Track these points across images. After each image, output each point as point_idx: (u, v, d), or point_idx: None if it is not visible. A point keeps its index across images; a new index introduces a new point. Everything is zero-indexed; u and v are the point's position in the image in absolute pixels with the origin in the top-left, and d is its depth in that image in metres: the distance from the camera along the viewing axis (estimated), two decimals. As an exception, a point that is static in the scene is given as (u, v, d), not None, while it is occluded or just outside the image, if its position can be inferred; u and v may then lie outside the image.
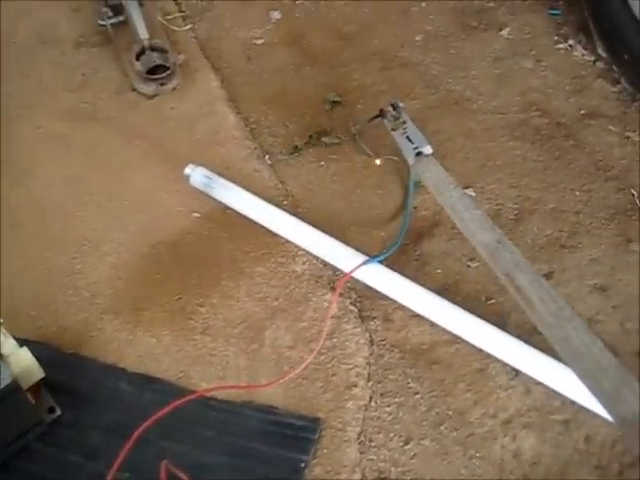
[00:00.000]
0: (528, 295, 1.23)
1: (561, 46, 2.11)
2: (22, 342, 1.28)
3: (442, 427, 1.33)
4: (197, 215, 1.65)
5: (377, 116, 1.74)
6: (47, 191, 1.70)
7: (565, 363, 1.18)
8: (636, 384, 1.04)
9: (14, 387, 1.21)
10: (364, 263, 1.50)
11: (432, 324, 1.47)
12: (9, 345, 1.26)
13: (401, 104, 1.70)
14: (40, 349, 1.32)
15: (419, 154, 1.59)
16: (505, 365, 1.40)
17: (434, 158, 1.59)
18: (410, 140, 1.62)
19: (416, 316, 1.48)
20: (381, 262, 1.53)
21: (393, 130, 1.68)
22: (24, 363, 1.26)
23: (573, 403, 1.34)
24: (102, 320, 1.48)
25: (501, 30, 2.15)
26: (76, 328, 1.47)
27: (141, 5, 1.93)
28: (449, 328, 1.46)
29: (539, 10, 2.22)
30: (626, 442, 1.25)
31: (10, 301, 1.47)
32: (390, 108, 1.70)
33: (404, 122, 1.67)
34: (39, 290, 1.53)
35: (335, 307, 1.48)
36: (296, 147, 1.79)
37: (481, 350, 1.43)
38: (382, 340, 1.46)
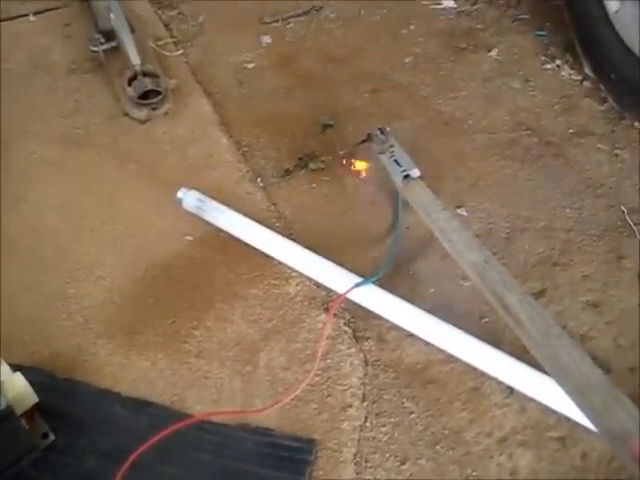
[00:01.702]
0: (516, 314, 1.24)
1: (548, 66, 2.14)
2: (16, 368, 1.27)
3: (438, 446, 1.33)
4: (190, 238, 1.65)
5: (365, 140, 1.76)
6: (40, 216, 1.70)
7: (555, 380, 1.19)
8: (625, 399, 1.05)
9: (8, 413, 1.20)
10: (357, 285, 1.50)
11: (426, 343, 1.47)
12: (3, 371, 1.26)
13: (388, 128, 1.72)
14: (34, 374, 1.32)
15: (407, 177, 1.61)
16: (500, 383, 1.40)
17: (422, 181, 1.61)
18: (398, 163, 1.64)
19: (410, 336, 1.48)
20: (374, 283, 1.53)
21: (381, 153, 1.70)
22: (18, 388, 1.25)
23: (568, 420, 1.34)
24: (96, 344, 1.47)
25: (489, 51, 2.18)
26: (70, 353, 1.46)
27: (133, 31, 1.95)
28: (443, 347, 1.46)
29: (526, 31, 2.26)
30: (620, 458, 1.25)
31: (3, 327, 1.47)
32: (378, 132, 1.72)
33: (392, 146, 1.69)
34: (33, 315, 1.52)
35: (330, 328, 1.49)
36: (287, 170, 1.80)
37: (476, 368, 1.43)
38: (376, 360, 1.46)
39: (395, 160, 1.65)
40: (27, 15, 2.16)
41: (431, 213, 1.51)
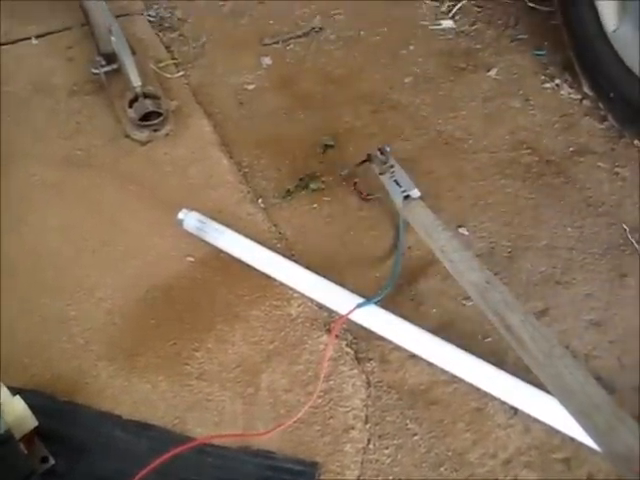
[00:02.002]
0: (519, 334, 1.23)
1: (548, 85, 2.15)
2: (15, 391, 1.26)
3: (442, 468, 1.32)
4: (191, 259, 1.65)
5: (365, 161, 1.76)
6: (41, 238, 1.70)
7: (558, 401, 1.18)
8: (629, 420, 1.04)
9: (7, 437, 1.20)
10: (359, 306, 1.50)
11: (429, 364, 1.46)
12: (2, 394, 1.25)
13: (388, 148, 1.72)
14: (33, 397, 1.31)
15: (407, 197, 1.61)
16: (503, 403, 1.40)
17: (422, 201, 1.61)
18: (398, 184, 1.64)
19: (413, 356, 1.48)
20: (376, 304, 1.52)
21: (381, 174, 1.70)
22: (17, 412, 1.24)
23: (573, 440, 1.33)
24: (97, 367, 1.46)
25: (489, 71, 2.19)
26: (70, 375, 1.45)
27: (134, 53, 1.96)
28: (446, 368, 1.45)
29: (525, 51, 2.27)
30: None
31: (3, 349, 1.46)
32: (378, 152, 1.72)
33: (392, 166, 1.69)
34: (33, 337, 1.51)
35: (331, 349, 1.48)
36: (288, 190, 1.80)
37: (479, 389, 1.42)
38: (379, 381, 1.45)
39: (395, 180, 1.65)
40: (29, 38, 2.17)
41: (432, 233, 1.51)
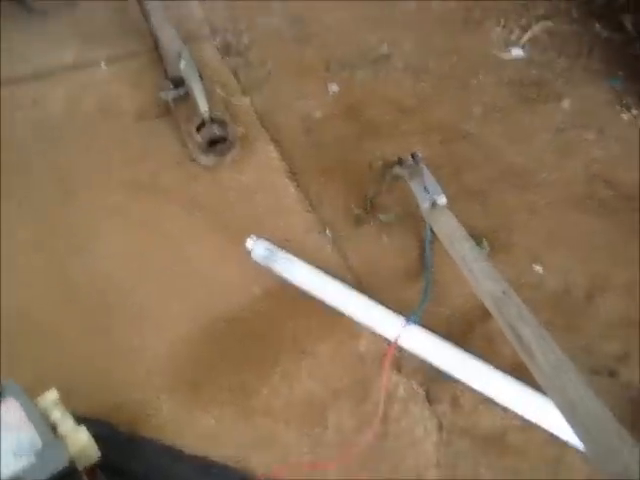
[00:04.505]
0: (529, 345, 1.22)
1: (624, 116, 2.07)
2: (79, 419, 1.24)
3: (518, 522, 1.25)
4: (257, 290, 1.62)
5: (395, 164, 1.73)
6: (105, 264, 1.68)
7: (562, 415, 1.15)
8: (630, 441, 1.02)
9: (71, 470, 1.16)
10: (404, 326, 1.48)
11: (503, 408, 1.40)
12: (67, 425, 1.22)
13: (420, 154, 1.68)
14: (96, 427, 1.27)
15: (434, 204, 1.57)
16: (583, 453, 1.32)
17: (448, 209, 1.57)
18: (426, 190, 1.60)
19: (486, 399, 1.42)
20: (416, 322, 1.51)
21: (410, 179, 1.66)
22: (81, 444, 1.21)
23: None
24: (159, 399, 1.44)
25: (561, 101, 2.12)
26: (133, 406, 1.43)
27: (201, 78, 1.95)
28: (521, 412, 1.39)
29: (598, 80, 2.20)
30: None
31: (67, 376, 1.44)
32: (409, 157, 1.69)
33: (421, 172, 1.65)
34: (95, 365, 1.50)
35: (387, 380, 1.43)
36: (358, 218, 1.76)
37: (557, 436, 1.35)
38: (451, 425, 1.39)
39: (424, 187, 1.61)
40: (98, 63, 2.19)
41: (454, 242, 1.49)
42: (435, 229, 1.58)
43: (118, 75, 2.16)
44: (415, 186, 1.64)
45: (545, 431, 1.36)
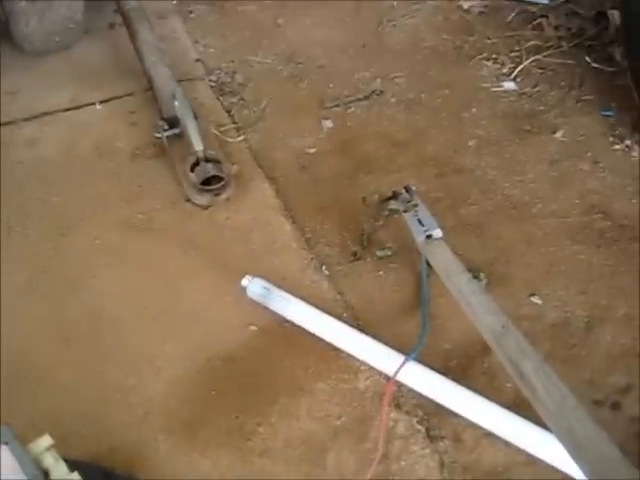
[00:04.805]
0: (532, 383, 1.22)
1: (618, 147, 2.09)
2: (72, 463, 1.21)
3: None
4: (254, 328, 1.60)
5: (390, 198, 1.74)
6: (101, 303, 1.67)
7: (568, 453, 1.13)
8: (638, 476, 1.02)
9: (65, 518, 1.14)
10: (403, 363, 1.46)
11: (506, 443, 1.38)
12: (60, 471, 1.19)
13: (414, 187, 1.71)
14: (91, 472, 1.25)
15: (429, 237, 1.58)
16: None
17: (443, 242, 1.58)
18: (421, 223, 1.61)
19: (488, 435, 1.40)
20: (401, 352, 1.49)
21: (405, 212, 1.68)
22: (75, 491, 1.19)
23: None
24: (156, 440, 1.42)
25: (554, 133, 2.13)
26: (129, 448, 1.41)
27: (195, 118, 1.96)
28: (525, 447, 1.37)
29: (591, 112, 2.22)
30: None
31: (60, 418, 1.42)
32: (403, 190, 1.71)
33: (416, 205, 1.67)
34: (91, 406, 1.47)
35: (386, 417, 1.41)
36: (355, 254, 1.76)
37: (562, 471, 1.32)
38: (453, 462, 1.37)
39: (418, 219, 1.62)
40: (94, 104, 2.20)
41: (451, 275, 1.50)
42: (431, 262, 1.58)
43: (113, 115, 2.18)
44: (410, 219, 1.65)
45: (550, 466, 1.34)
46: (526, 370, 1.23)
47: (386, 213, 1.79)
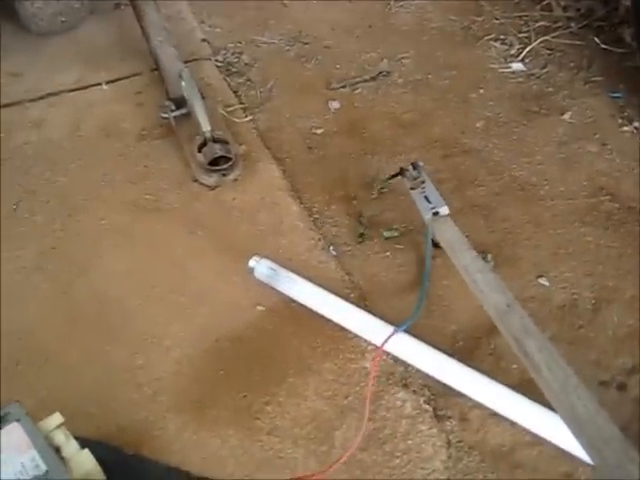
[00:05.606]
0: (536, 361, 1.22)
1: (626, 129, 2.07)
2: (82, 442, 1.22)
3: (530, 539, 1.23)
4: (261, 308, 1.60)
5: (397, 174, 1.74)
6: (109, 284, 1.68)
7: (570, 430, 1.15)
8: (638, 458, 1.03)
9: (76, 494, 1.15)
10: (393, 333, 1.47)
11: (512, 423, 1.39)
12: (71, 447, 1.20)
13: (421, 163, 1.70)
14: (100, 449, 1.25)
15: (436, 214, 1.58)
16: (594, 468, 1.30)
17: (450, 219, 1.58)
18: (428, 200, 1.61)
19: (494, 415, 1.40)
20: (406, 331, 1.50)
21: (412, 189, 1.67)
22: (86, 467, 1.20)
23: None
24: (165, 419, 1.42)
25: (563, 114, 2.12)
26: (138, 427, 1.41)
27: (203, 98, 1.95)
28: (530, 428, 1.37)
29: (599, 93, 2.20)
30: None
31: (69, 398, 1.43)
32: (410, 167, 1.70)
33: (423, 181, 1.66)
34: (99, 386, 1.48)
35: (374, 376, 1.44)
36: (361, 235, 1.76)
37: (567, 452, 1.33)
38: (459, 441, 1.37)
39: (425, 196, 1.62)
40: (100, 84, 2.20)
41: (457, 252, 1.50)
42: (438, 238, 1.58)
43: (119, 95, 2.17)
44: (417, 196, 1.65)
45: (555, 446, 1.34)
46: (530, 349, 1.24)
47: (380, 186, 1.79)
